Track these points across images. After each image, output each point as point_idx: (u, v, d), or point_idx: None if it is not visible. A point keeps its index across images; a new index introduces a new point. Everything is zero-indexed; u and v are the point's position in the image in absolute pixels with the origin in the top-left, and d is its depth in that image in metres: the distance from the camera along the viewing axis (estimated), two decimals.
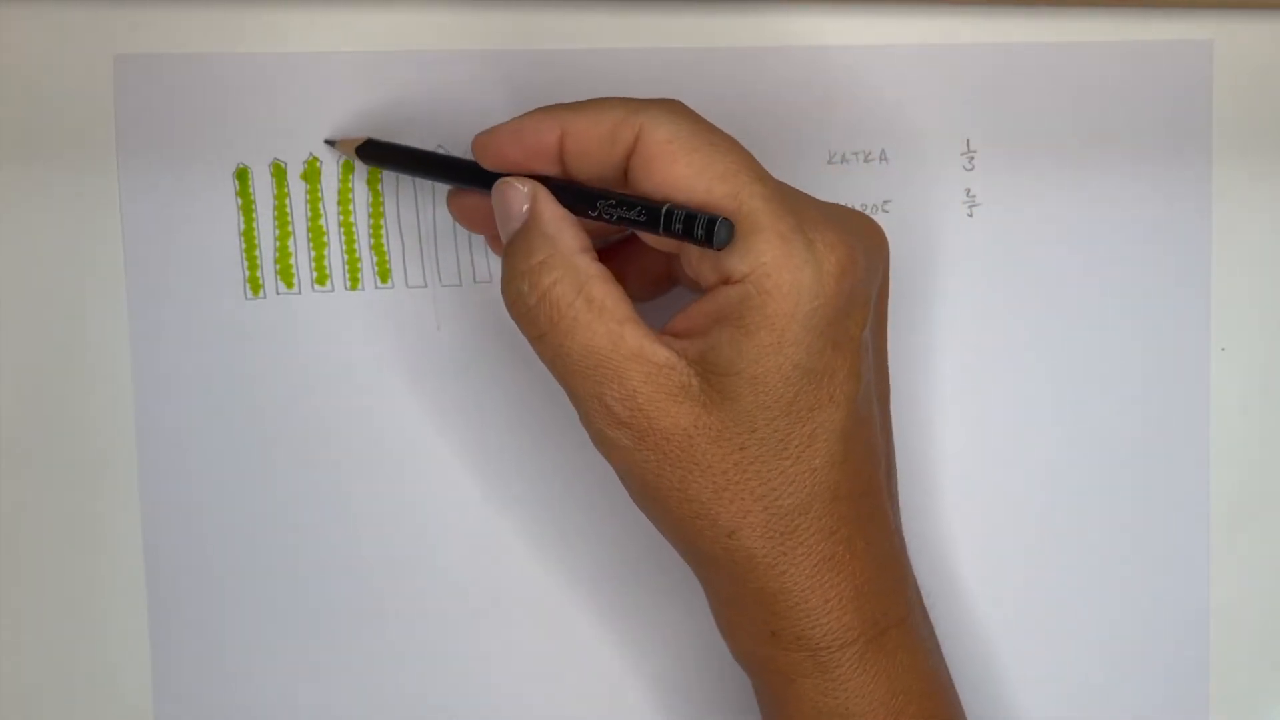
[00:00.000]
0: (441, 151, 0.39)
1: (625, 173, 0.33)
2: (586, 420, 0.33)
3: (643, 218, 0.32)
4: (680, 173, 0.32)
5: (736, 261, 0.31)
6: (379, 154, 0.38)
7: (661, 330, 0.33)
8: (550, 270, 0.32)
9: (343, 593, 0.40)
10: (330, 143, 0.39)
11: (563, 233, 0.33)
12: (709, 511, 0.33)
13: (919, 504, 0.42)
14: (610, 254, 0.38)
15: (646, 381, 0.32)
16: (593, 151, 0.33)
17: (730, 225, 0.31)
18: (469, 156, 0.36)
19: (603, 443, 0.33)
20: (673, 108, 0.33)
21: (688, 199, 0.32)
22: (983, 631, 0.44)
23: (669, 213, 0.31)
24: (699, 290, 0.34)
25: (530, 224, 0.33)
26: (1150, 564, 0.45)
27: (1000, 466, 0.44)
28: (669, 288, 0.39)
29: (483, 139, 0.35)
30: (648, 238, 0.35)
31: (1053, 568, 0.44)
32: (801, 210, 0.32)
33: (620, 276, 0.34)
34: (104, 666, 0.39)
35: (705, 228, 0.30)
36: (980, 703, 0.43)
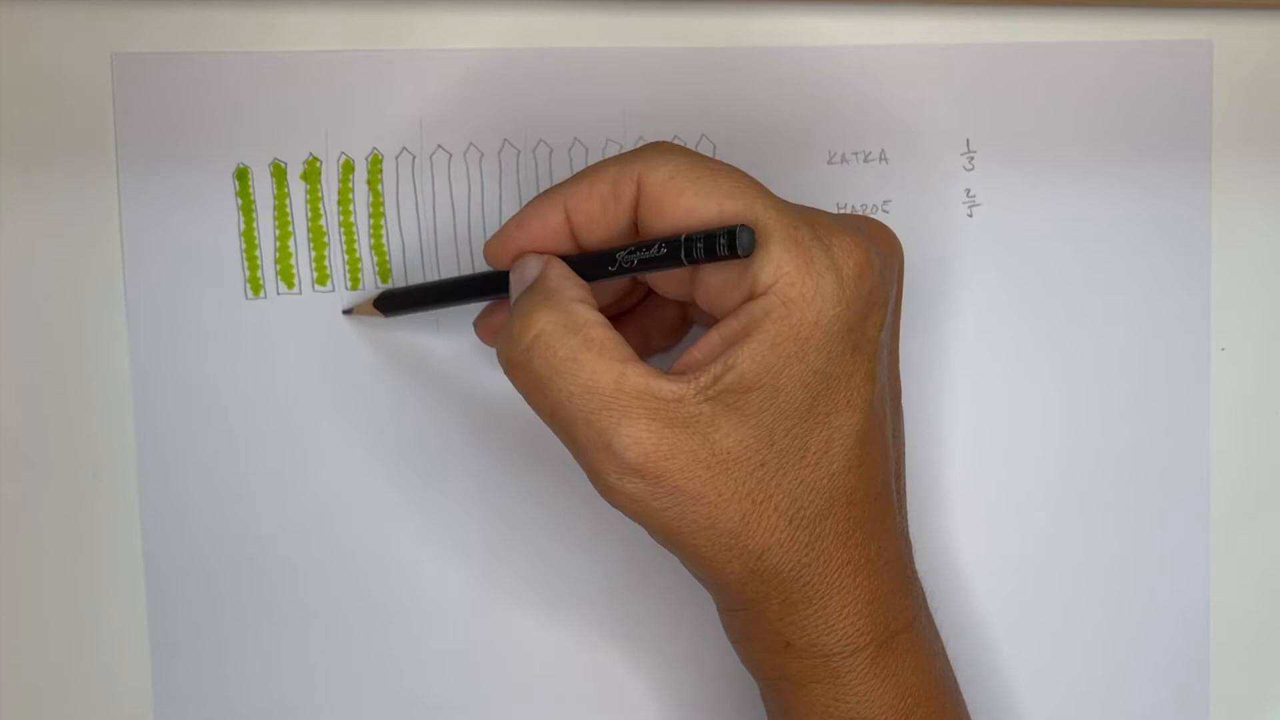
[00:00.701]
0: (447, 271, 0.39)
1: (635, 226, 0.33)
2: (594, 474, 0.32)
3: (663, 252, 0.31)
4: (689, 202, 0.32)
5: (758, 274, 0.31)
6: (397, 300, 0.38)
7: (670, 369, 0.32)
8: (546, 311, 0.32)
9: (343, 593, 0.40)
10: (348, 312, 0.39)
11: (563, 285, 0.33)
12: (739, 541, 0.32)
13: (920, 503, 0.42)
14: (626, 316, 0.38)
15: (655, 418, 0.31)
16: (599, 215, 0.33)
17: (751, 231, 0.30)
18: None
19: (614, 496, 0.32)
20: (664, 148, 0.33)
21: (702, 224, 0.32)
22: (984, 631, 0.44)
23: (689, 240, 0.31)
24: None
25: (538, 280, 0.33)
26: (1150, 564, 0.45)
27: (1001, 466, 0.44)
28: (685, 332, 0.39)
29: (492, 243, 0.35)
30: (665, 283, 0.35)
31: (1053, 568, 0.44)
32: (814, 218, 0.32)
33: (640, 333, 0.34)
34: (104, 666, 0.39)
35: (727, 240, 0.30)
36: (982, 702, 0.43)
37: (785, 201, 0.32)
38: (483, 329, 0.38)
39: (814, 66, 0.41)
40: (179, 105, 0.38)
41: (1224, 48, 0.44)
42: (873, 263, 0.32)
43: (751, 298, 0.31)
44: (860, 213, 0.42)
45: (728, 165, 0.33)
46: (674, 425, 0.31)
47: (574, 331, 0.31)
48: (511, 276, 0.34)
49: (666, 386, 0.31)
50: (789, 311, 0.31)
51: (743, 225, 0.30)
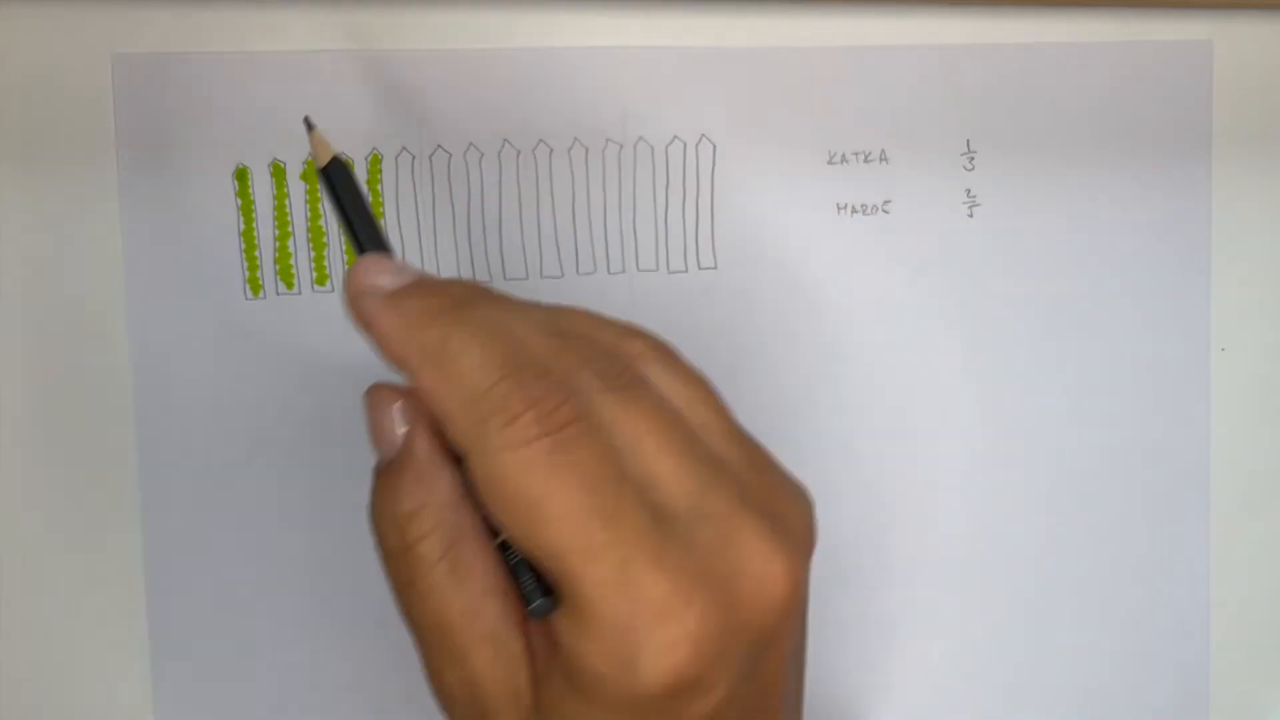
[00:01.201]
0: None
1: None
2: (427, 679, 0.30)
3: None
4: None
5: (562, 632, 0.27)
6: (335, 181, 0.33)
7: (531, 610, 0.29)
8: (420, 523, 0.29)
9: (343, 594, 0.40)
10: (309, 125, 0.34)
11: (440, 478, 0.29)
12: None
13: (921, 505, 0.42)
14: None
15: (492, 668, 0.28)
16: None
17: (549, 604, 0.28)
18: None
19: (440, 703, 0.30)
20: None
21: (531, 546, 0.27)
22: (984, 631, 0.44)
23: (508, 552, 0.29)
24: None
25: (404, 461, 0.29)
26: (1151, 563, 0.45)
27: (1000, 467, 0.44)
28: None
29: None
30: None
31: (1053, 568, 0.44)
32: (647, 589, 0.26)
33: None
34: (104, 667, 0.39)
35: (528, 591, 0.28)
36: (981, 702, 0.43)
37: (633, 547, 0.27)
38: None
39: (814, 66, 0.41)
40: (179, 105, 0.38)
41: (1224, 48, 0.44)
42: (696, 673, 0.26)
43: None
44: (860, 213, 0.42)
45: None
46: (503, 687, 0.29)
47: (443, 551, 0.28)
48: (368, 409, 0.30)
49: (514, 644, 0.28)
50: (584, 683, 0.27)
51: (542, 601, 0.28)
